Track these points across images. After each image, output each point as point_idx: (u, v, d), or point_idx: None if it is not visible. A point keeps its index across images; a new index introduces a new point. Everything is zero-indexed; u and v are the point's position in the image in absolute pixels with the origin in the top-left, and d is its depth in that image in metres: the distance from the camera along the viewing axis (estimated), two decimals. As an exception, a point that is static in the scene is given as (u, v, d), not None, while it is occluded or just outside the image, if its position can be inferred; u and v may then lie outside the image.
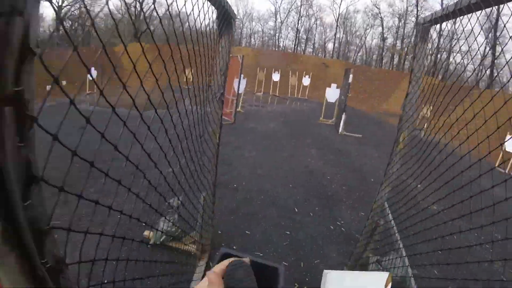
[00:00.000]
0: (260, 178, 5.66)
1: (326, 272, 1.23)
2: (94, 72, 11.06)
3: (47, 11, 27.87)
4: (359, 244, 3.12)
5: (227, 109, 10.26)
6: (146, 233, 3.23)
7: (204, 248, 3.18)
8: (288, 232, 3.89)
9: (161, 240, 3.09)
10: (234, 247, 3.44)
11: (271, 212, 4.36)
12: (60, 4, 25.71)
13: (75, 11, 27.95)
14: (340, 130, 10.39)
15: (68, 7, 26.92)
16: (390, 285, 1.24)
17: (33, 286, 0.50)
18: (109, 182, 0.91)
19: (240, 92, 10.26)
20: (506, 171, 8.80)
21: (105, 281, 1.09)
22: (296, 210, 4.54)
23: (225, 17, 2.28)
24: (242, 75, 9.79)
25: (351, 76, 9.99)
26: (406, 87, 2.66)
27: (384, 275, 1.25)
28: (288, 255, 3.46)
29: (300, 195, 5.13)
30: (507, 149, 8.66)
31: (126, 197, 1.01)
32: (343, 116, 10.21)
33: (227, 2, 2.18)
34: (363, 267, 3.17)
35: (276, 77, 18.66)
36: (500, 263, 3.78)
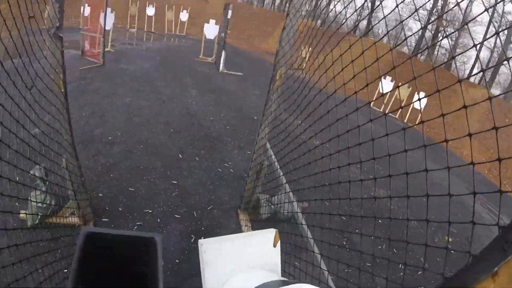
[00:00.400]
0: (138, 126, 5.18)
1: (201, 242, 1.11)
2: None
3: None
4: (247, 187, 3.18)
5: (94, 50, 8.95)
6: (22, 215, 2.64)
7: (86, 218, 2.82)
8: (175, 182, 3.73)
9: (38, 219, 2.59)
10: (120, 209, 3.14)
11: (154, 163, 4.09)
12: None
13: None
14: (220, 69, 10.20)
15: None
16: (279, 242, 1.21)
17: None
18: None
19: (107, 28, 8.96)
20: (381, 110, 10.49)
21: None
22: (180, 156, 4.37)
23: None
24: (109, 9, 8.48)
25: (230, 12, 9.62)
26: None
27: (271, 233, 1.20)
28: (178, 206, 3.34)
29: (184, 140, 4.93)
30: (381, 91, 10.24)
31: None
32: (223, 54, 9.98)
33: None
34: (256, 208, 3.28)
35: (150, 11, 16.84)
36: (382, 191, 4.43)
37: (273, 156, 2.86)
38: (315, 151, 2.10)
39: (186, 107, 6.53)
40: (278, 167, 3.10)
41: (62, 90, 2.19)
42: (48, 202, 2.55)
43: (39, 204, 2.49)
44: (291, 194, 2.79)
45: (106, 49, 9.11)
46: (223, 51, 9.96)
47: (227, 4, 10.32)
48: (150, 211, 3.19)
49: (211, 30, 11.53)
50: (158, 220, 3.11)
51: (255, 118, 6.46)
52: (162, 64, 10.27)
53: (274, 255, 1.20)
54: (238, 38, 20.19)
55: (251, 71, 11.52)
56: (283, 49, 2.68)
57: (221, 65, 10.15)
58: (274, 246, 1.20)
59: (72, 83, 6.29)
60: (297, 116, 2.16)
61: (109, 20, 8.93)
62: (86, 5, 9.26)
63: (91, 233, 1.41)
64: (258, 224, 3.24)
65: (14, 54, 1.44)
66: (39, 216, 2.54)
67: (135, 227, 2.93)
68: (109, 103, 6.12)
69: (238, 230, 3.16)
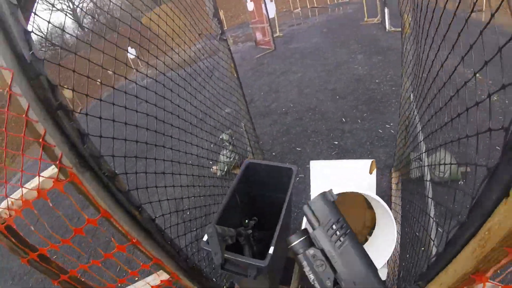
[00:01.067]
0: (307, 96, 5.83)
1: (312, 162, 1.48)
2: (132, 51, 10.89)
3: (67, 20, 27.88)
4: (397, 143, 3.26)
5: (266, 38, 10.14)
6: (213, 169, 3.76)
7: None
8: (336, 142, 4.17)
9: (225, 169, 3.60)
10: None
11: (320, 126, 4.62)
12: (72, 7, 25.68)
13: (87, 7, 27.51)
14: (387, 27, 9.72)
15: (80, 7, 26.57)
16: (375, 170, 1.46)
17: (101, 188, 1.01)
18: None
19: (271, 16, 9.97)
20: None
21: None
22: (344, 120, 4.74)
23: None
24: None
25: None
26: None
27: (368, 162, 1.47)
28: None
29: (348, 104, 5.25)
30: None
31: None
32: (386, 11, 9.47)
33: None
34: (407, 167, 3.28)
35: (310, -14, 17.34)
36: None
37: (414, 105, 2.79)
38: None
39: (352, 73, 6.74)
40: (418, 121, 2.95)
41: (235, 74, 2.98)
42: (233, 157, 3.48)
43: (226, 160, 3.44)
44: (446, 153, 2.70)
45: (275, 35, 10.16)
46: (386, 8, 9.44)
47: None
48: (300, 169, 3.76)
49: (372, -12, 11.01)
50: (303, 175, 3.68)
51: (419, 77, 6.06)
52: (328, 36, 10.63)
53: (370, 180, 1.48)
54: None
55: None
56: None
57: (387, 23, 9.66)
58: (370, 173, 1.48)
59: (252, 70, 7.49)
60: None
61: (271, 8, 9.87)
62: (249, 0, 10.49)
63: (250, 163, 2.06)
64: (408, 184, 3.26)
65: (200, 58, 2.20)
66: (226, 167, 3.53)
67: (297, 178, 3.55)
68: (283, 80, 7.03)
69: (388, 189, 3.31)
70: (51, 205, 1.08)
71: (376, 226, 1.48)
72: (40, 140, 0.89)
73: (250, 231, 1.79)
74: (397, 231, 1.39)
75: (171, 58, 1.92)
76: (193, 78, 2.23)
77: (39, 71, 0.85)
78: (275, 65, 8.33)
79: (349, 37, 9.86)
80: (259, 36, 10.60)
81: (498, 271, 0.69)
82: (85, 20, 27.55)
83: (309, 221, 0.75)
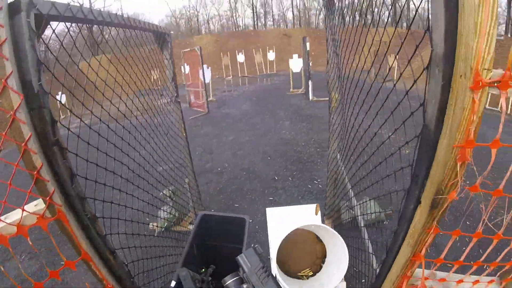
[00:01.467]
0: (240, 158, 6.14)
1: (268, 209, 1.73)
2: (63, 96, 10.69)
3: None
4: (327, 195, 3.64)
5: (199, 101, 10.59)
6: (151, 225, 3.67)
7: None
8: (271, 198, 4.42)
9: (165, 226, 3.54)
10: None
11: (254, 185, 4.87)
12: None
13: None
14: (310, 98, 10.89)
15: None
16: (319, 212, 1.73)
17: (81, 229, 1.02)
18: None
19: (207, 82, 10.58)
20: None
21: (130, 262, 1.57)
22: (276, 178, 5.06)
23: (160, 36, 2.72)
24: (205, 65, 10.10)
25: (308, 44, 10.42)
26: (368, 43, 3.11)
27: (313, 206, 1.74)
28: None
29: (279, 164, 5.64)
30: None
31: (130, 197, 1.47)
32: (310, 84, 10.70)
33: (158, 26, 2.63)
34: (338, 214, 3.68)
35: (241, 58, 18.87)
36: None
37: (340, 162, 3.26)
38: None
39: (280, 137, 7.32)
40: (346, 175, 3.42)
41: (184, 134, 3.16)
42: (173, 214, 3.47)
43: (166, 216, 3.42)
44: (371, 200, 3.14)
45: (209, 99, 10.69)
46: (310, 81, 10.67)
47: (304, 37, 11.16)
48: (251, 220, 3.90)
49: (296, 64, 12.46)
50: (257, 227, 3.80)
51: (344, 140, 6.85)
52: (258, 103, 11.47)
53: (316, 220, 1.73)
54: (323, 62, 20.79)
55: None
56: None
57: (310, 94, 10.84)
58: (316, 214, 1.74)
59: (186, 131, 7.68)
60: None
61: (207, 74, 10.55)
62: (185, 64, 11.14)
63: (205, 214, 2.17)
64: (341, 228, 3.58)
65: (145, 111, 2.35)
66: (165, 223, 3.48)
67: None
68: (216, 142, 7.32)
69: None
70: (30, 243, 1.02)
71: (327, 255, 1.68)
72: (35, 173, 0.91)
73: (210, 278, 1.85)
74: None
75: (105, 109, 1.94)
76: (138, 130, 2.32)
77: (44, 103, 0.92)
78: (209, 128, 8.67)
79: (277, 105, 10.77)
80: (193, 98, 11.04)
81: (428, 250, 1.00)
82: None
83: (242, 266, 1.16)
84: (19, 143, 0.90)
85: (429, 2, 0.81)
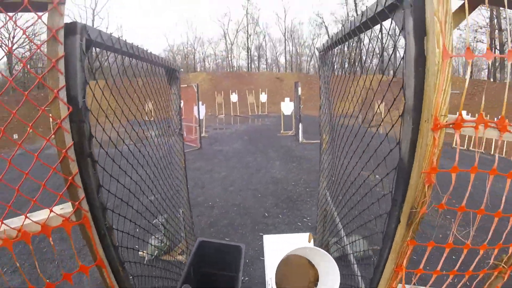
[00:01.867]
0: (232, 194, 6.29)
1: (265, 236, 1.92)
2: None
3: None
4: (317, 231, 3.81)
5: (192, 136, 10.82)
6: (140, 253, 3.73)
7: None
8: (261, 234, 4.53)
9: (155, 254, 3.61)
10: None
11: (245, 220, 4.99)
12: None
13: (25, 53, 26.98)
14: (300, 139, 11.25)
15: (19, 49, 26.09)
16: (312, 240, 1.93)
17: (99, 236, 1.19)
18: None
19: (201, 118, 10.91)
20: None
21: None
22: (266, 215, 5.20)
23: (171, 72, 3.00)
24: (200, 102, 10.47)
25: (299, 89, 10.97)
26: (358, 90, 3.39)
27: (306, 235, 1.95)
28: (263, 253, 4.10)
29: (269, 202, 5.80)
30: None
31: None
32: (300, 127, 11.11)
33: (170, 61, 2.90)
34: (327, 250, 3.83)
35: (234, 98, 19.48)
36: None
37: (330, 200, 3.46)
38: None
39: (271, 176, 7.53)
40: (335, 212, 3.62)
41: (183, 165, 3.34)
42: (164, 242, 3.55)
43: (157, 244, 3.50)
44: (344, 237, 3.31)
45: (202, 135, 10.95)
46: (300, 124, 11.09)
47: (296, 82, 11.75)
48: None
49: (287, 107, 12.98)
50: (247, 260, 3.89)
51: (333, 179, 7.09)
52: (249, 142, 11.77)
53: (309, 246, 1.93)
54: (313, 106, 21.56)
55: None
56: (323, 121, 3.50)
57: (300, 136, 11.22)
58: (309, 242, 1.93)
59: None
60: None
61: (202, 111, 10.90)
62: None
63: (202, 241, 2.32)
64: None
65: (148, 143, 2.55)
66: (156, 251, 3.54)
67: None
68: (208, 177, 7.48)
69: None
70: (52, 243, 1.13)
71: (319, 278, 1.85)
72: (70, 178, 1.06)
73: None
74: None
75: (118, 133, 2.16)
76: (146, 156, 2.50)
77: (84, 118, 1.08)
78: (201, 163, 8.84)
79: (268, 145, 11.08)
80: (185, 133, 11.29)
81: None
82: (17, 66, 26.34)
83: None
84: (60, 149, 1.03)
85: (404, 67, 1.10)
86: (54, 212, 1.07)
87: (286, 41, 41.61)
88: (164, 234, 3.49)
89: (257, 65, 43.26)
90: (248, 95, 21.55)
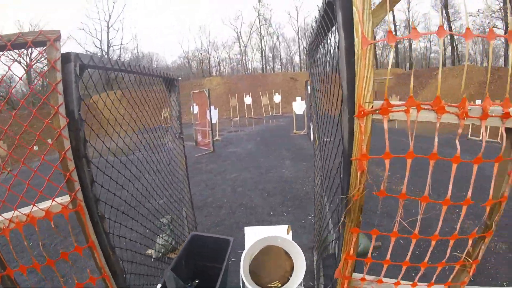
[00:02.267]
0: (240, 194, 6.44)
1: (246, 228, 2.04)
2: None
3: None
4: (315, 227, 3.87)
5: (206, 140, 11.06)
6: (149, 251, 3.92)
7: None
8: (264, 231, 4.65)
9: (161, 252, 3.79)
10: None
11: (250, 219, 5.13)
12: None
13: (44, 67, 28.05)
14: (311, 138, 11.28)
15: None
16: (290, 232, 2.03)
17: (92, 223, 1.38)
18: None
19: (213, 122, 11.12)
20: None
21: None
22: (271, 213, 5.32)
23: (169, 81, 3.18)
24: (212, 106, 10.69)
25: (309, 88, 10.99)
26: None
27: (285, 227, 2.05)
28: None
29: (276, 201, 5.92)
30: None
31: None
32: (311, 125, 11.14)
33: (166, 72, 3.09)
34: (326, 246, 3.88)
35: (248, 100, 19.64)
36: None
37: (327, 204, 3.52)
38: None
39: (281, 176, 7.63)
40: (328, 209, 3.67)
41: (185, 166, 3.53)
42: (170, 241, 3.73)
43: (163, 243, 3.68)
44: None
45: (214, 139, 11.16)
46: (311, 122, 11.12)
47: (306, 81, 11.78)
48: (241, 251, 4.11)
49: (299, 106, 13.03)
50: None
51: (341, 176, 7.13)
52: (262, 143, 11.91)
53: (287, 238, 2.03)
54: (327, 105, 21.40)
55: (339, 134, 12.33)
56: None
57: (312, 135, 11.25)
58: (287, 233, 2.03)
59: (190, 167, 8.05)
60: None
61: (214, 115, 11.12)
62: (194, 104, 11.77)
63: (195, 235, 2.47)
64: (330, 261, 3.78)
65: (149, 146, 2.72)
66: (162, 250, 3.73)
67: (232, 261, 3.86)
68: (219, 179, 7.67)
69: (311, 266, 3.78)
70: (53, 226, 1.38)
71: (294, 268, 1.97)
72: (68, 174, 1.32)
73: (195, 289, 2.12)
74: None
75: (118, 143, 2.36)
76: (147, 162, 2.68)
77: (80, 127, 1.35)
78: (212, 165, 9.05)
79: (280, 145, 11.18)
80: (200, 137, 11.55)
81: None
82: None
83: None
84: (60, 151, 1.32)
85: (338, 59, 1.18)
86: (56, 201, 1.37)
87: (300, 40, 41.60)
88: (168, 234, 3.68)
89: (272, 66, 43.43)
90: (262, 96, 21.69)
